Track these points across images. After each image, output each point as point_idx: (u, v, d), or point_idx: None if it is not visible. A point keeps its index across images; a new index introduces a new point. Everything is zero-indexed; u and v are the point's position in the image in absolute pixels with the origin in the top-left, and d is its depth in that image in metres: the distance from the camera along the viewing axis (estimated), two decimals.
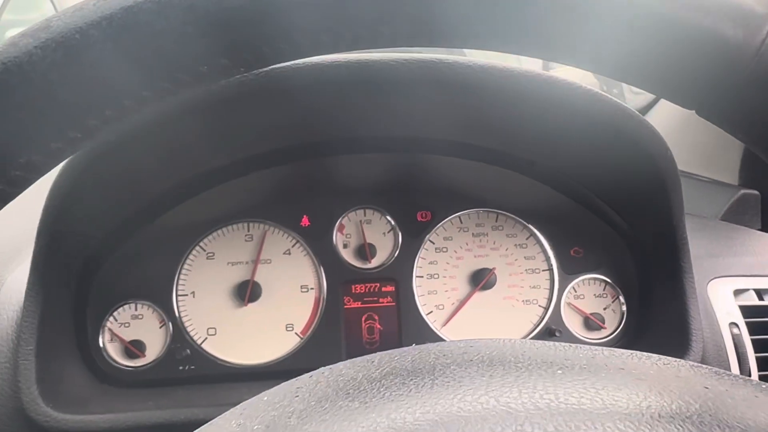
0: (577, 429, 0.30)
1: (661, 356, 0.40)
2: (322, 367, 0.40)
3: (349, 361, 0.40)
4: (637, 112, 0.81)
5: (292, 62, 0.75)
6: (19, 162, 0.33)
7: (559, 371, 0.37)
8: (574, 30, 0.36)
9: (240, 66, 0.36)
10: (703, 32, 0.35)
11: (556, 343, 0.41)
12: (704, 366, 0.40)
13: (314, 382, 0.38)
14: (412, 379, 0.36)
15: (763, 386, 0.37)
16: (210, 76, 0.36)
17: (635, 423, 0.31)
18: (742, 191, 1.33)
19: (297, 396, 0.37)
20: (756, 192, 1.34)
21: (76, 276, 0.88)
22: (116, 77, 0.33)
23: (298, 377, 0.40)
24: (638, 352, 0.41)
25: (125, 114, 0.35)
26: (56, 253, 0.80)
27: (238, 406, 0.39)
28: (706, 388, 0.36)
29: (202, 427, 0.37)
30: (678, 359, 0.40)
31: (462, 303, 1.01)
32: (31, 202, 0.80)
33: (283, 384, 0.40)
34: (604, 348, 0.41)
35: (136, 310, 0.96)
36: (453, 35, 0.37)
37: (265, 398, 0.38)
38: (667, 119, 1.45)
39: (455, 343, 0.41)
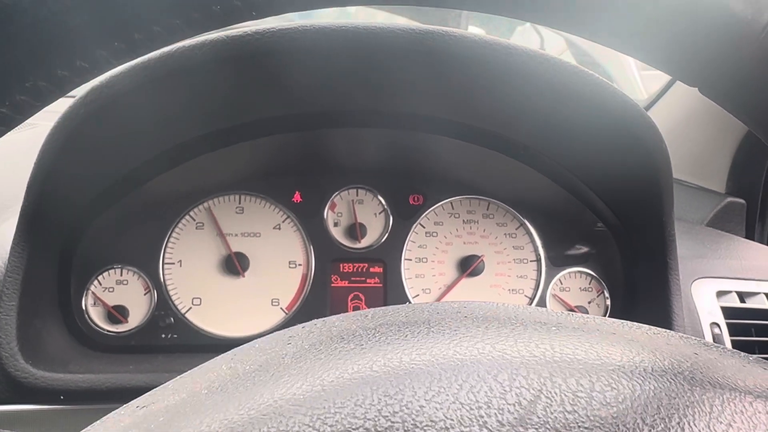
0: (572, 376, 0.31)
1: (651, 326, 0.41)
2: (315, 320, 0.40)
3: (341, 314, 0.40)
4: (638, 104, 0.82)
5: (292, 25, 0.75)
6: (24, 86, 0.33)
7: (554, 328, 0.37)
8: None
9: (251, 10, 0.36)
10: (711, 6, 0.35)
11: (548, 309, 0.42)
12: (693, 337, 0.40)
13: (307, 332, 0.38)
14: (407, 328, 0.37)
15: (750, 358, 0.38)
16: (220, 17, 0.36)
17: (628, 374, 0.32)
18: (729, 199, 1.35)
19: (289, 343, 0.37)
20: (742, 201, 1.36)
21: (63, 236, 0.87)
22: (129, 8, 0.33)
23: (289, 328, 0.40)
24: (628, 321, 0.41)
25: (135, 49, 0.35)
26: (44, 211, 0.79)
27: (228, 352, 0.38)
28: (696, 354, 0.36)
29: (192, 369, 0.37)
30: (668, 330, 0.40)
31: (449, 288, 1.02)
32: (22, 159, 0.79)
33: (273, 333, 0.40)
34: (596, 316, 0.41)
35: (121, 275, 0.95)
36: None
37: (257, 345, 0.38)
38: (660, 125, 1.46)
39: (449, 303, 0.41)
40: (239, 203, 1.00)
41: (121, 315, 0.93)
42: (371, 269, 1.01)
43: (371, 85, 0.87)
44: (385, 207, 1.03)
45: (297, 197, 1.01)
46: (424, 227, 1.03)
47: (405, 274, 1.01)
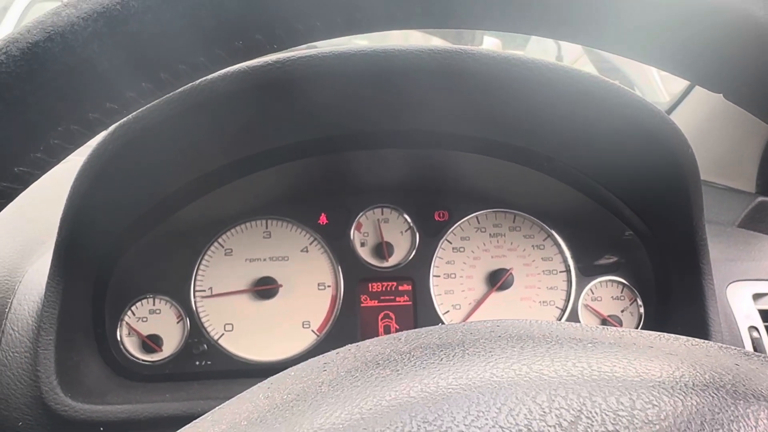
0: (612, 395, 0.30)
1: (689, 338, 0.40)
2: (349, 345, 0.40)
3: (375, 339, 0.40)
4: (660, 110, 0.81)
5: (311, 52, 0.76)
6: (57, 131, 0.34)
7: (590, 345, 0.37)
8: (603, 12, 0.36)
9: (273, 43, 0.37)
10: (732, 13, 0.35)
11: (583, 324, 0.41)
12: (733, 347, 0.39)
13: (342, 358, 0.38)
14: (442, 351, 0.37)
15: None
16: (243, 52, 0.36)
17: (669, 390, 0.31)
18: (759, 199, 1.33)
19: (325, 370, 0.37)
20: None
21: (96, 269, 0.88)
22: (154, 50, 0.34)
23: (324, 354, 0.40)
24: (665, 334, 0.41)
25: (162, 88, 0.36)
26: (77, 245, 0.81)
27: (264, 381, 0.39)
28: (737, 365, 0.36)
29: (229, 401, 0.37)
30: (706, 341, 0.40)
31: (479, 303, 1.01)
32: (54, 196, 0.81)
33: (308, 360, 0.40)
34: (631, 329, 0.41)
35: (154, 304, 0.96)
36: (471, 15, 0.37)
37: (292, 373, 0.38)
38: (684, 127, 1.45)
39: (481, 322, 0.41)
40: (266, 228, 1.01)
41: (156, 344, 0.94)
42: (400, 287, 1.01)
43: (392, 106, 0.88)
44: (411, 225, 1.03)
45: (323, 219, 1.01)
46: (450, 243, 1.03)
47: (434, 291, 1.01)
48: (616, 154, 0.88)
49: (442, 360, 0.35)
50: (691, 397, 0.31)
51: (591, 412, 0.29)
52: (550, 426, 0.28)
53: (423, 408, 0.30)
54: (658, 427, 0.29)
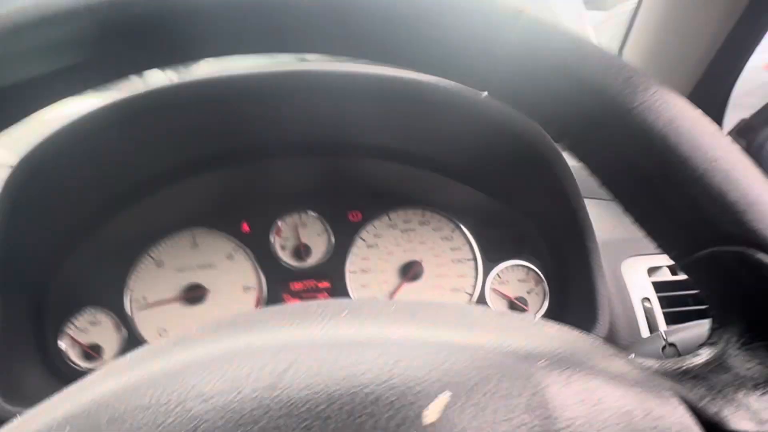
0: (326, 348, 0.37)
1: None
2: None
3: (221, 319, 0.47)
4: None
5: (208, 75, 0.86)
6: None
7: (345, 313, 0.43)
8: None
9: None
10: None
11: (370, 300, 0.48)
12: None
13: (188, 334, 0.45)
14: (236, 325, 0.43)
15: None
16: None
17: (373, 345, 0.37)
18: None
19: (169, 343, 0.44)
20: None
21: (33, 283, 0.97)
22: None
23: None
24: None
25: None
26: (11, 262, 0.89)
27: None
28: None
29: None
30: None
31: (392, 294, 1.09)
32: None
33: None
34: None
35: (93, 316, 1.05)
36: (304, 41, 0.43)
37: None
38: None
39: (293, 305, 0.47)
40: (193, 239, 1.09)
41: (96, 353, 1.03)
42: (319, 285, 1.10)
43: (299, 120, 0.97)
44: (327, 227, 1.11)
45: (245, 227, 1.10)
46: (365, 241, 1.11)
47: (350, 286, 1.09)
48: (492, 152, 0.96)
49: (230, 332, 0.42)
50: (389, 347, 0.37)
51: (302, 362, 0.33)
52: (265, 373, 0.34)
53: (185, 369, 0.37)
54: (348, 371, 0.33)
